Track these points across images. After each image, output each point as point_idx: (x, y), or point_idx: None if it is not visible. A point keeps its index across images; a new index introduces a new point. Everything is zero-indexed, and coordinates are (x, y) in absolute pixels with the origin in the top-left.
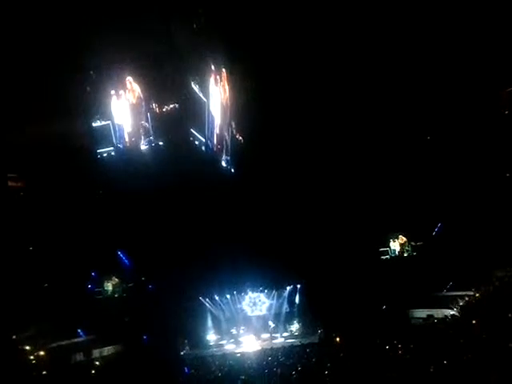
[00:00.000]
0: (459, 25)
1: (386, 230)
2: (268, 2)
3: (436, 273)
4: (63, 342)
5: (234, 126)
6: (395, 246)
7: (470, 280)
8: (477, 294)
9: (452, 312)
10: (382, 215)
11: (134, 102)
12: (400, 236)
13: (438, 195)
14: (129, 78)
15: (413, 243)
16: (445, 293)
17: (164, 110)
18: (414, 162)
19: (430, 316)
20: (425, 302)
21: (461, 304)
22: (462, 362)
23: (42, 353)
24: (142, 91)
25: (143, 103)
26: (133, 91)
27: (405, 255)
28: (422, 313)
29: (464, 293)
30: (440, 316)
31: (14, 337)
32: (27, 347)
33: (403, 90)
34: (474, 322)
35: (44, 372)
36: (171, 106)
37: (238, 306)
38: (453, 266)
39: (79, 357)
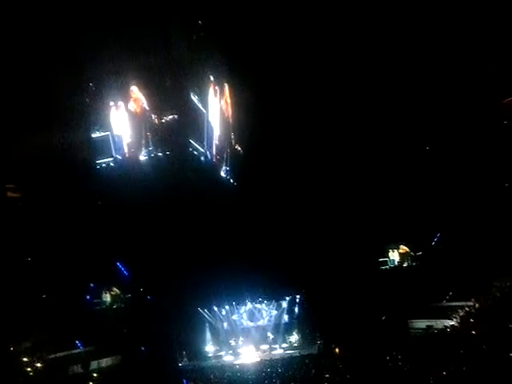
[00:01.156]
0: (459, 35)
1: (385, 241)
2: (267, 15)
3: (436, 283)
4: (61, 354)
5: (233, 136)
6: (394, 256)
7: (470, 290)
8: (477, 305)
9: (452, 322)
10: (380, 226)
11: (138, 110)
12: (401, 246)
13: (438, 205)
14: (133, 88)
15: (412, 253)
16: (444, 303)
17: (163, 120)
18: (413, 172)
19: (430, 326)
20: (424, 313)
21: (461, 314)
22: (462, 373)
23: (39, 364)
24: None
25: (147, 113)
26: (137, 100)
27: (404, 265)
28: (421, 323)
29: (464, 303)
30: (440, 326)
31: (11, 348)
32: (25, 359)
33: (402, 100)
34: (473, 332)
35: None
36: (170, 116)
37: (237, 317)
38: (452, 277)
39: (77, 368)
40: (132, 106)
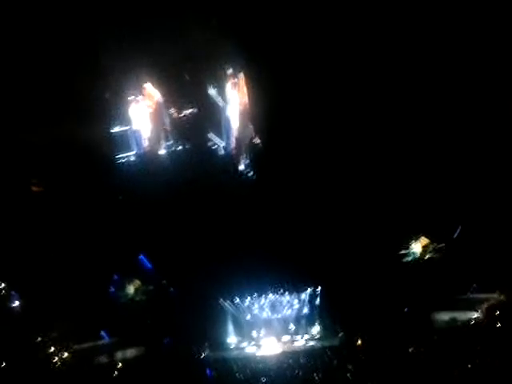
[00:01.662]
0: (469, 27)
1: (407, 233)
2: (284, 8)
3: (459, 275)
4: (86, 345)
5: (252, 129)
6: (416, 248)
7: (494, 282)
8: (501, 297)
9: (476, 315)
10: (403, 218)
11: (154, 107)
12: (423, 238)
13: (460, 198)
14: (147, 85)
15: (434, 245)
16: (468, 295)
17: (182, 114)
18: (435, 165)
19: (454, 319)
20: (448, 305)
21: (485, 307)
22: (487, 365)
23: (66, 354)
24: (160, 96)
25: (163, 108)
26: (151, 97)
27: (426, 257)
28: (445, 315)
29: (488, 295)
30: (464, 319)
31: (39, 338)
32: (52, 349)
33: (424, 95)
34: (498, 325)
35: (68, 373)
36: (189, 110)
37: (259, 308)
38: (476, 269)
39: (102, 359)
40: (147, 103)
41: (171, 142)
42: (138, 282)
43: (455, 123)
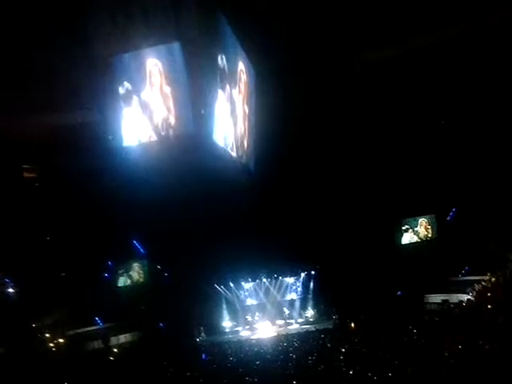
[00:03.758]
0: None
1: (400, 215)
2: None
3: (451, 257)
4: (81, 330)
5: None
6: (409, 231)
7: (486, 264)
8: (492, 279)
9: (467, 297)
10: (395, 200)
11: None
12: (420, 220)
13: (453, 180)
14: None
15: (428, 228)
16: (460, 277)
17: None
18: (428, 145)
19: (445, 301)
20: (440, 287)
21: (476, 289)
22: (478, 347)
23: (61, 340)
24: None
25: None
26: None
27: (420, 240)
28: (437, 298)
29: (480, 277)
30: (455, 301)
31: (33, 325)
32: (47, 335)
33: (419, 73)
34: (489, 306)
35: (63, 359)
36: None
37: (253, 292)
38: (468, 251)
39: (97, 344)
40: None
41: None
42: (132, 268)
43: (453, 104)
